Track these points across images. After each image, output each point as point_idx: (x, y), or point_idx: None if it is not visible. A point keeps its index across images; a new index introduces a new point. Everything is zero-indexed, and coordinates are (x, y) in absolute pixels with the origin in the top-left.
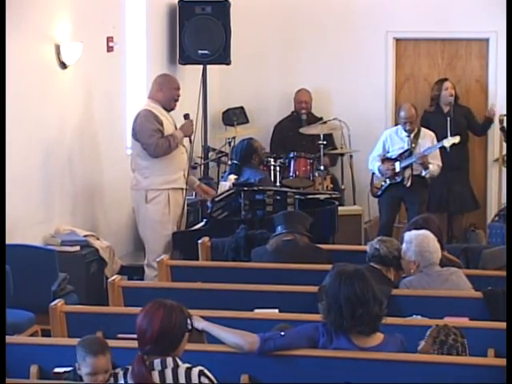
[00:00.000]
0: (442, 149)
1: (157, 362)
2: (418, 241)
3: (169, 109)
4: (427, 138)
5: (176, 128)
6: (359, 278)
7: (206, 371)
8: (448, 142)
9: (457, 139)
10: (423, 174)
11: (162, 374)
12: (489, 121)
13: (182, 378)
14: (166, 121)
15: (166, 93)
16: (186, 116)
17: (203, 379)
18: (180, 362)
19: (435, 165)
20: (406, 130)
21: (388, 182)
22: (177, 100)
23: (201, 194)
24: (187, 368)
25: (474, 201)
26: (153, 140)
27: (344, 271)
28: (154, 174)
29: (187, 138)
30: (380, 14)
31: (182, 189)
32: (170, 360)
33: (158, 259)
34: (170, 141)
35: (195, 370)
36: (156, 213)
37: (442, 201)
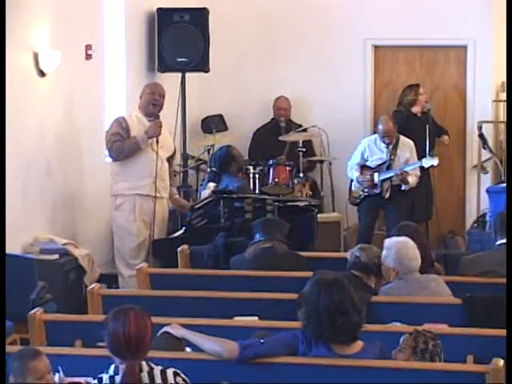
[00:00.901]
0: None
1: (135, 367)
2: (398, 248)
3: (148, 113)
4: (406, 147)
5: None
6: (338, 286)
7: (179, 371)
8: (426, 164)
9: (435, 162)
10: (403, 188)
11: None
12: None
13: (158, 379)
14: (141, 128)
15: (143, 98)
16: (156, 117)
17: (178, 379)
18: (153, 365)
19: (413, 176)
20: (384, 143)
21: (366, 192)
22: (155, 104)
23: (176, 207)
24: (161, 370)
25: (431, 209)
26: (109, 144)
27: (323, 280)
28: (122, 180)
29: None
30: (358, 21)
31: (152, 196)
32: (144, 364)
33: (136, 267)
34: (125, 143)
35: (169, 372)
36: (121, 219)
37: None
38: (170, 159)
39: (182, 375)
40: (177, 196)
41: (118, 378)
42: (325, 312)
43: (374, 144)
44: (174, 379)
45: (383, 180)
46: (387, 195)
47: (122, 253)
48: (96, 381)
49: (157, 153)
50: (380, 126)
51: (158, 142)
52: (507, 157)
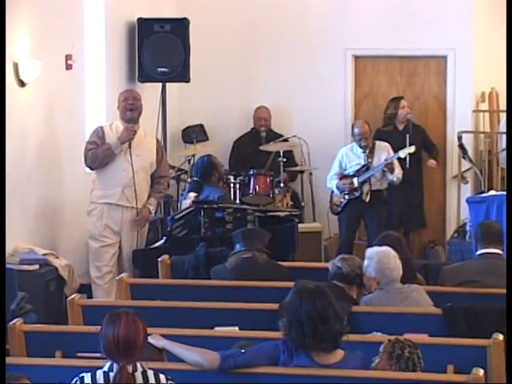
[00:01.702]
0: (400, 160)
1: (128, 367)
2: (379, 257)
3: (127, 120)
4: (383, 149)
5: None
6: (320, 294)
7: (170, 378)
8: (403, 153)
9: (412, 149)
10: (389, 178)
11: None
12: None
13: (151, 380)
14: (117, 135)
15: (120, 106)
16: (129, 122)
17: (170, 383)
18: (146, 368)
19: (398, 167)
20: (361, 147)
21: (347, 197)
22: (132, 109)
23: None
24: (155, 373)
25: (423, 219)
26: (85, 153)
27: (305, 288)
28: (96, 188)
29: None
30: (339, 32)
31: (121, 206)
32: (138, 364)
33: (117, 277)
34: (98, 150)
35: (162, 376)
36: (91, 226)
37: (400, 218)
38: (156, 169)
39: (172, 382)
40: (146, 207)
41: (112, 375)
42: (307, 320)
43: (351, 151)
44: (166, 382)
45: (363, 182)
46: (367, 198)
47: (91, 257)
48: (89, 374)
49: (130, 162)
50: (356, 129)
51: (131, 152)
52: (507, 165)
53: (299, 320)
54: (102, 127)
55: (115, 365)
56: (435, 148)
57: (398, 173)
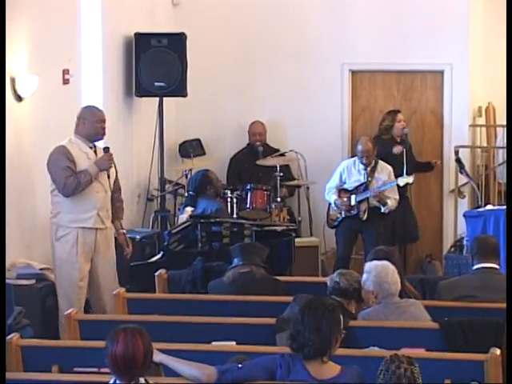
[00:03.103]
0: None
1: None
2: (377, 271)
3: (91, 140)
4: (384, 171)
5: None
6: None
7: None
8: (402, 182)
9: (410, 179)
10: (382, 209)
11: None
12: (428, 167)
13: None
14: (82, 156)
15: (88, 126)
16: (105, 149)
17: None
18: (150, 382)
19: (392, 199)
20: (362, 163)
21: (343, 214)
22: (103, 134)
23: (120, 242)
24: None
25: (416, 231)
26: (60, 179)
27: (310, 301)
28: (64, 211)
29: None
30: (336, 46)
31: (95, 228)
32: (142, 380)
33: (114, 292)
34: (80, 178)
35: None
36: (63, 252)
37: (394, 232)
38: (115, 189)
39: None
40: (122, 234)
41: None
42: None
43: (353, 166)
44: None
45: (360, 201)
46: (365, 217)
47: (63, 287)
48: None
49: (102, 184)
50: (359, 147)
51: (108, 176)
52: (507, 176)
53: (296, 329)
54: (65, 147)
55: (118, 381)
56: (415, 163)
57: (391, 205)
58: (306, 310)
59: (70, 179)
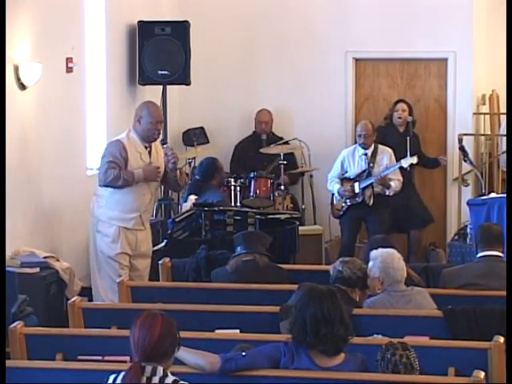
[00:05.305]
0: (401, 169)
1: (148, 368)
2: (383, 257)
3: (146, 140)
4: (384, 154)
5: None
6: (329, 298)
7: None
8: (406, 163)
9: (414, 160)
10: (387, 193)
11: (149, 380)
12: (435, 163)
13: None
14: (136, 156)
15: (143, 126)
16: (163, 142)
17: None
18: (169, 373)
19: (396, 181)
20: (361, 145)
21: (348, 202)
22: (157, 135)
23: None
24: (174, 380)
25: (428, 214)
26: (103, 167)
27: (315, 289)
28: (107, 207)
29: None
30: (339, 35)
31: (136, 230)
32: (160, 369)
33: (118, 280)
34: (123, 174)
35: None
36: (103, 245)
37: (399, 220)
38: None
39: None
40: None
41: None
42: (311, 319)
43: (353, 153)
44: None
45: (364, 187)
46: (371, 202)
47: (98, 278)
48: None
49: (149, 187)
50: (359, 127)
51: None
52: (507, 168)
53: (303, 318)
54: (123, 144)
55: (118, 378)
56: (426, 159)
57: (395, 186)
58: (308, 300)
59: (111, 170)
